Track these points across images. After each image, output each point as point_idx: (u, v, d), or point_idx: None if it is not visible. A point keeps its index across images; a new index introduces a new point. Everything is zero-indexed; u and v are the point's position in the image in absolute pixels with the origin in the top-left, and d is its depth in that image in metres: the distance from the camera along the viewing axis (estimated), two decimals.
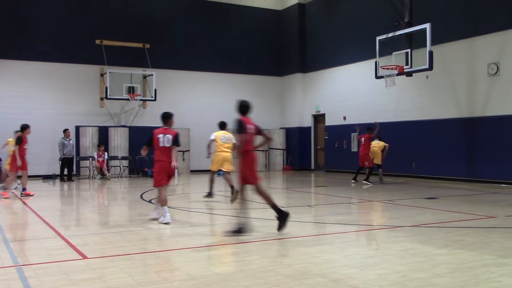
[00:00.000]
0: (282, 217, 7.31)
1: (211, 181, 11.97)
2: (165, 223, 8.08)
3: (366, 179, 15.95)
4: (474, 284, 4.63)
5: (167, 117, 8.89)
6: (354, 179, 16.40)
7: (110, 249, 6.40)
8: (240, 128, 7.36)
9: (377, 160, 16.16)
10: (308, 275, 5.00)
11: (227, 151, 11.73)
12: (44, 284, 4.76)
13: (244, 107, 7.76)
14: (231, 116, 25.07)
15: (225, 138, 11.80)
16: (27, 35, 19.80)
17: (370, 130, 16.21)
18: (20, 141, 12.55)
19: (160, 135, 8.61)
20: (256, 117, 26.69)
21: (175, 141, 8.61)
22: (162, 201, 8.37)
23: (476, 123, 15.83)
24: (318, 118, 23.35)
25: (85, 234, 7.73)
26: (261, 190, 7.51)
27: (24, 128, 12.87)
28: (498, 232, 7.35)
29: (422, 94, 17.67)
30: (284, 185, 16.95)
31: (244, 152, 7.38)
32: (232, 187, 11.42)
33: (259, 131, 7.81)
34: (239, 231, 7.06)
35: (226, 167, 11.85)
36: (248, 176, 7.41)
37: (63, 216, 9.94)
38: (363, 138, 16.17)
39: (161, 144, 8.54)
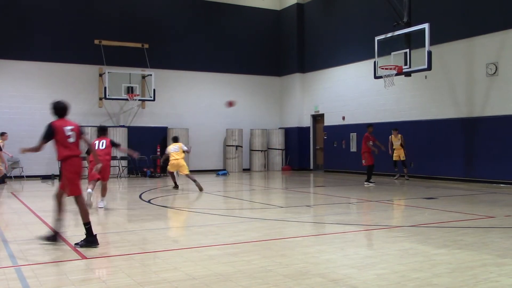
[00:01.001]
0: (89, 240, 6.49)
1: (173, 178, 15.27)
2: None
3: (367, 180, 15.93)
4: (473, 284, 4.63)
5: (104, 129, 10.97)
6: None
7: (109, 249, 6.39)
8: (47, 134, 6.64)
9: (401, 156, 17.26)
10: (307, 275, 5.00)
11: (177, 158, 14.54)
12: (43, 284, 4.76)
13: (58, 109, 6.97)
14: (230, 116, 25.20)
15: (174, 149, 14.73)
16: (26, 35, 19.79)
17: (371, 127, 16.36)
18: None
19: (96, 141, 10.63)
20: (255, 117, 26.87)
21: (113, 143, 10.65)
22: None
23: (475, 123, 15.84)
24: (317, 118, 23.35)
25: (84, 234, 7.72)
26: (80, 203, 6.74)
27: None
28: (497, 232, 7.36)
29: (420, 94, 17.68)
30: (283, 185, 16.96)
31: (63, 158, 6.65)
32: (194, 180, 14.34)
33: (80, 134, 6.86)
34: (51, 238, 6.63)
35: (182, 171, 14.74)
36: (66, 184, 6.73)
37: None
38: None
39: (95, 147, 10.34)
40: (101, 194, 10.62)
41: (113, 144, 10.66)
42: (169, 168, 14.93)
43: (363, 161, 16.06)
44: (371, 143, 15.99)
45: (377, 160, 16.54)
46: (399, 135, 17.31)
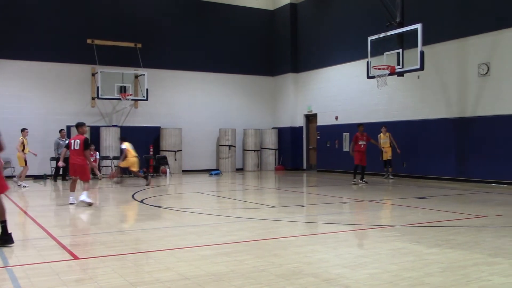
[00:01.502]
0: (3, 238, 6.43)
1: (137, 175, 16.95)
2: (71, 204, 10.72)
3: (361, 178, 16.01)
4: (465, 283, 4.66)
5: (78, 126, 11.21)
6: (361, 179, 16.11)
7: (101, 249, 6.37)
8: None
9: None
10: (300, 274, 5.01)
11: (135, 156, 16.41)
12: (35, 285, 4.74)
13: None
14: (223, 115, 25.18)
15: (131, 147, 16.41)
16: (18, 34, 19.68)
17: (361, 126, 16.37)
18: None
19: (72, 140, 11.07)
20: (248, 117, 26.85)
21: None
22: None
23: (467, 123, 15.93)
24: (310, 118, 23.39)
25: (76, 234, 7.71)
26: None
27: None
28: (489, 231, 7.41)
29: (413, 94, 17.76)
30: (276, 185, 16.97)
31: None
32: (139, 176, 16.65)
33: None
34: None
35: (135, 167, 16.45)
36: None
37: (54, 216, 9.89)
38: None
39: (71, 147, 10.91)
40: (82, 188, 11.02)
41: (85, 146, 10.76)
42: (126, 164, 16.27)
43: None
44: (364, 142, 16.03)
45: (367, 160, 16.60)
46: (388, 133, 17.39)
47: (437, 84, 16.89)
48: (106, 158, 20.10)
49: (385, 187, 15.20)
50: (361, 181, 15.88)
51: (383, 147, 17.45)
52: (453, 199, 11.84)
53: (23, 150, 15.97)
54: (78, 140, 10.82)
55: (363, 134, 16.17)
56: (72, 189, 11.06)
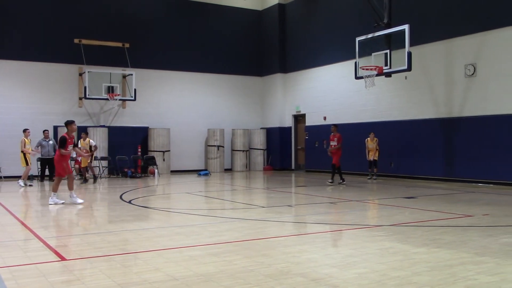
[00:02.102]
0: None
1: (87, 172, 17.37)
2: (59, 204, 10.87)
3: (341, 179, 15.94)
4: (452, 282, 4.70)
5: (66, 124, 11.42)
6: (342, 179, 16.02)
7: (89, 250, 6.33)
8: None
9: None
10: (288, 274, 5.02)
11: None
12: (22, 286, 4.69)
13: None
14: (212, 115, 25.12)
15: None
16: (4, 33, 19.50)
17: (334, 127, 16.35)
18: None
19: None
20: (236, 117, 26.83)
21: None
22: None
23: (454, 123, 16.06)
24: (299, 118, 23.44)
25: (63, 235, 7.65)
26: None
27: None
28: (475, 230, 7.47)
29: (400, 95, 17.87)
30: (265, 185, 16.98)
31: None
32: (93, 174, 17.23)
33: None
34: None
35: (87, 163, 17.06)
36: None
37: (41, 217, 9.81)
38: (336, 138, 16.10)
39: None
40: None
41: (60, 144, 11.18)
42: (83, 162, 16.95)
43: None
44: (335, 143, 15.94)
45: (352, 161, 16.68)
46: (375, 139, 17.40)
47: (425, 84, 17.01)
48: (94, 158, 19.94)
49: (373, 187, 15.27)
50: (329, 181, 15.81)
51: (368, 151, 17.49)
52: (440, 199, 11.92)
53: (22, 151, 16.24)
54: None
55: (335, 135, 16.01)
56: (70, 187, 11.37)
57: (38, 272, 5.20)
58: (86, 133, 17.77)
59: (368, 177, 17.72)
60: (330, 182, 15.79)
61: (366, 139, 17.62)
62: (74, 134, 11.71)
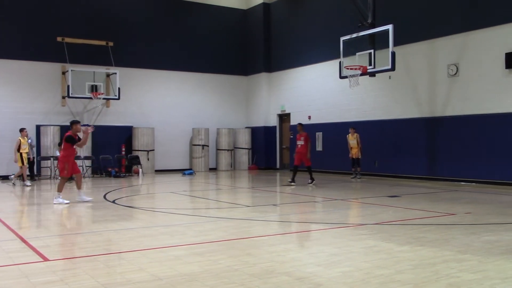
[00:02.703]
0: None
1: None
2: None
3: (310, 179, 15.57)
4: (435, 280, 4.74)
5: (71, 123, 11.49)
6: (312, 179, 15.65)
7: (72, 250, 6.28)
8: None
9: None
10: (273, 273, 5.02)
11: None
12: (4, 287, 4.63)
13: None
14: (196, 115, 25.06)
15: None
16: None
17: (300, 126, 15.93)
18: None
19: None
20: (221, 116, 26.76)
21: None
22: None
23: (437, 123, 16.22)
24: (284, 117, 23.48)
25: (46, 235, 7.56)
26: None
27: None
28: (458, 228, 7.56)
29: (384, 94, 18.00)
30: (250, 184, 16.98)
31: None
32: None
33: None
34: None
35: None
36: None
37: (23, 217, 9.69)
38: (302, 138, 15.62)
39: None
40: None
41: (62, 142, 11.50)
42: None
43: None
44: (302, 142, 15.42)
45: (337, 160, 16.76)
46: (356, 134, 17.42)
47: (408, 84, 17.15)
48: (77, 158, 19.70)
49: (357, 186, 15.36)
50: (291, 182, 15.36)
51: (350, 148, 17.50)
52: (424, 198, 12.03)
53: (19, 150, 16.11)
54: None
55: (301, 134, 15.57)
56: (79, 186, 11.50)
57: (20, 273, 5.14)
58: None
59: (352, 176, 17.74)
60: (291, 182, 15.30)
61: (347, 135, 17.64)
62: (79, 134, 11.64)
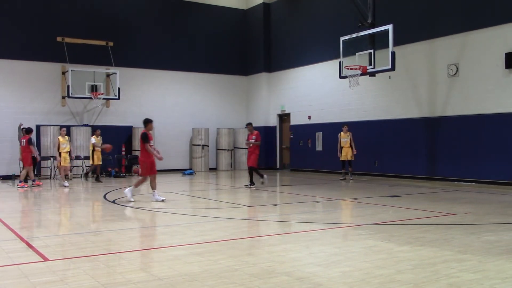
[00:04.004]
0: None
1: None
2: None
3: (260, 176, 15.08)
4: (435, 280, 4.74)
5: (145, 122, 11.61)
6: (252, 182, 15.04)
7: (72, 250, 6.27)
8: None
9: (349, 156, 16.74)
10: (273, 273, 5.02)
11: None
12: (4, 287, 4.63)
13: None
14: (196, 115, 24.99)
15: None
16: None
17: (249, 125, 15.41)
18: (31, 141, 15.73)
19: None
20: (221, 116, 26.73)
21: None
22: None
23: (437, 123, 16.22)
24: (283, 117, 23.48)
25: (46, 235, 7.56)
26: None
27: (28, 131, 15.95)
28: (458, 228, 7.55)
29: (384, 94, 17.99)
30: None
31: None
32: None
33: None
34: None
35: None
36: None
37: (23, 217, 9.69)
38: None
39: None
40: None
41: (143, 140, 11.40)
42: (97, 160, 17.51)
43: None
44: (253, 141, 14.99)
45: (336, 160, 16.75)
46: (349, 132, 16.82)
47: (408, 84, 17.15)
48: (77, 158, 19.77)
49: (357, 186, 15.35)
50: (250, 185, 14.85)
51: (342, 146, 16.87)
52: (424, 198, 12.03)
53: (59, 150, 16.25)
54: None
55: (252, 133, 15.10)
56: (153, 186, 11.56)
57: (20, 273, 5.14)
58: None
59: (341, 178, 17.03)
60: (250, 185, 14.76)
61: (339, 133, 17.07)
62: (151, 132, 11.79)
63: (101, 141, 17.77)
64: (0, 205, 11.26)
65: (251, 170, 15.06)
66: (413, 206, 10.10)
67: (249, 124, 15.59)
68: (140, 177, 11.78)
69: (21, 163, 18.13)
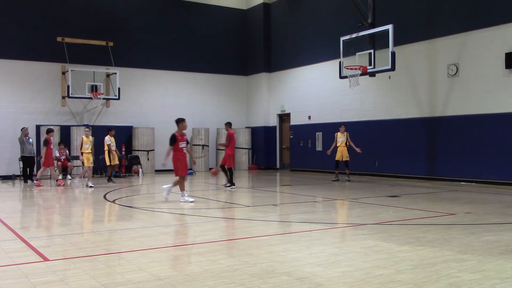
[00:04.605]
0: None
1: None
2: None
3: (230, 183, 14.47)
4: (435, 280, 4.74)
5: (177, 122, 11.48)
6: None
7: (72, 250, 6.27)
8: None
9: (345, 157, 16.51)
10: (273, 273, 5.02)
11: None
12: (4, 287, 4.63)
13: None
14: (196, 115, 25.02)
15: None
16: None
17: (227, 125, 14.89)
18: (46, 142, 15.75)
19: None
20: (221, 116, 26.76)
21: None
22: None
23: (437, 123, 16.22)
24: (283, 117, 23.48)
25: (46, 235, 7.56)
26: None
27: (48, 131, 16.04)
28: (458, 228, 7.55)
29: (384, 94, 17.99)
30: (250, 184, 16.98)
31: None
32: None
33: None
34: None
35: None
36: None
37: (23, 217, 9.69)
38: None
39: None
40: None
41: (170, 141, 11.38)
42: (114, 160, 17.17)
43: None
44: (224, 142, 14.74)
45: (331, 160, 16.74)
46: (346, 132, 16.61)
47: (408, 84, 17.15)
48: (76, 158, 19.77)
49: (357, 186, 15.34)
50: (226, 185, 14.51)
51: (338, 146, 16.62)
52: (424, 198, 12.04)
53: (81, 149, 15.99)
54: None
55: (228, 132, 14.64)
56: (182, 188, 11.37)
57: (20, 273, 5.14)
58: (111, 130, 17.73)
59: (333, 179, 16.77)
60: (229, 186, 14.38)
61: (335, 133, 16.85)
62: (185, 131, 11.62)
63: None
64: (0, 205, 11.26)
65: (223, 169, 14.59)
66: (413, 206, 10.11)
67: (225, 124, 15.03)
68: (177, 178, 11.39)
69: (21, 163, 18.18)
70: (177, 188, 11.54)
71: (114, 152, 17.10)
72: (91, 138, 16.05)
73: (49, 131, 16.08)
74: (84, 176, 16.20)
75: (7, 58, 19.49)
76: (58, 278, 4.93)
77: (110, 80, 20.98)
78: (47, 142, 15.76)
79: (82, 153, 15.73)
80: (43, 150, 15.93)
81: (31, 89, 19.89)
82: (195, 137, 22.87)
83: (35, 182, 15.68)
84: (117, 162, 17.39)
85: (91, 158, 15.84)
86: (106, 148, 17.06)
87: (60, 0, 20.67)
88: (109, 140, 17.01)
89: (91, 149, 15.89)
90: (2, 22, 19.47)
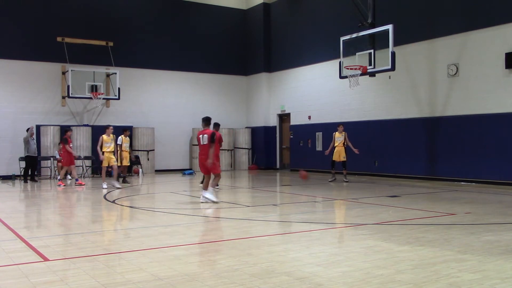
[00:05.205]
0: None
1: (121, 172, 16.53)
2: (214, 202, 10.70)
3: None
4: (435, 280, 4.74)
5: (204, 120, 11.12)
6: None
7: (72, 250, 6.27)
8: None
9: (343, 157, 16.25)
10: (273, 273, 5.02)
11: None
12: (4, 287, 4.63)
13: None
14: (196, 115, 25.04)
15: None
16: None
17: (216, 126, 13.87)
18: (65, 141, 15.98)
19: (200, 135, 10.90)
20: (221, 116, 26.81)
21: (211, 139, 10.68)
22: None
23: (437, 123, 16.22)
24: (283, 117, 23.48)
25: (46, 235, 7.56)
26: None
27: (67, 130, 16.49)
28: (458, 228, 7.55)
29: (384, 94, 17.99)
30: (250, 184, 16.98)
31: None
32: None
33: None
34: None
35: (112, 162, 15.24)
36: None
37: (23, 217, 9.69)
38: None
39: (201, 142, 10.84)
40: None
41: (211, 140, 10.69)
42: (126, 161, 16.41)
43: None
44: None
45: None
46: (344, 132, 16.46)
47: (408, 84, 17.15)
48: (77, 158, 19.77)
49: (357, 186, 15.33)
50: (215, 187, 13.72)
51: (335, 145, 16.45)
52: (424, 198, 12.03)
53: (101, 148, 15.46)
54: (206, 135, 10.83)
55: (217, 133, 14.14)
56: (205, 186, 11.03)
57: (20, 273, 5.14)
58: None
59: (330, 179, 16.57)
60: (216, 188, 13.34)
61: (333, 133, 16.70)
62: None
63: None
64: (0, 205, 11.26)
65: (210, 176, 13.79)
66: (413, 206, 10.10)
67: (214, 124, 13.90)
68: (214, 176, 11.16)
69: (21, 163, 18.18)
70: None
71: (125, 153, 16.21)
72: (112, 136, 15.19)
73: (68, 130, 16.35)
74: (114, 175, 15.24)
75: (7, 58, 19.49)
76: (58, 278, 4.93)
77: (110, 80, 20.98)
78: (66, 141, 15.91)
79: (103, 153, 14.89)
80: (61, 149, 16.13)
81: (31, 89, 19.89)
82: (195, 137, 22.86)
83: (58, 182, 15.87)
84: (127, 163, 16.58)
85: (113, 158, 15.11)
86: (118, 149, 16.01)
87: (60, 0, 20.67)
88: (120, 140, 16.07)
89: (113, 148, 15.14)
90: (2, 22, 19.47)
